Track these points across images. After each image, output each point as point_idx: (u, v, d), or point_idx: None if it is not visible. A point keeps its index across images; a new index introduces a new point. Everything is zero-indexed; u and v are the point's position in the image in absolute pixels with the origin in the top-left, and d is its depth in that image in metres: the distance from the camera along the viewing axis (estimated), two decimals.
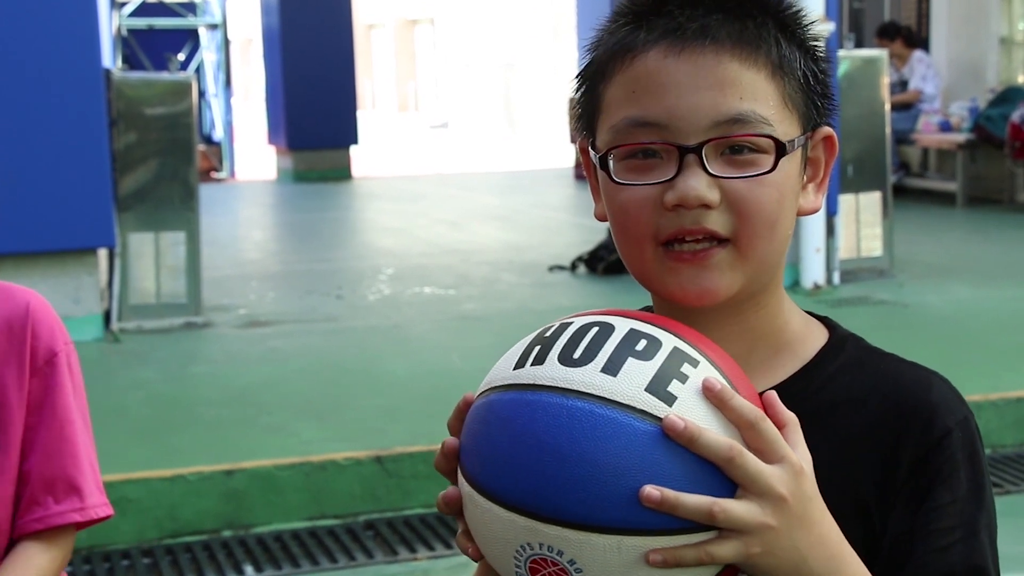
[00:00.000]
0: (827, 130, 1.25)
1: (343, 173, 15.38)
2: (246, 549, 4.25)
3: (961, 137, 11.24)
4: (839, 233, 7.57)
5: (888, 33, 12.02)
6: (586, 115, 1.25)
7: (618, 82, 1.20)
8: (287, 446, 4.65)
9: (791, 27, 1.21)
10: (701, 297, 1.19)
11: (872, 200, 7.86)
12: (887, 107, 8.02)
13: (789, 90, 1.19)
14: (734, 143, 1.16)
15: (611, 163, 1.19)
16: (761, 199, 1.17)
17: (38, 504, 1.81)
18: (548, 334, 1.09)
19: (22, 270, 5.96)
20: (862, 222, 7.81)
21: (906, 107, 11.75)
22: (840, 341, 1.27)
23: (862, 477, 1.18)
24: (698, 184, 1.15)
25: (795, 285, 7.27)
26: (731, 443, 1.02)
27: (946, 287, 7.48)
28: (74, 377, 1.86)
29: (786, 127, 1.18)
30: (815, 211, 1.26)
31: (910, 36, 12.18)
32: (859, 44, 9.98)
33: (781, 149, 1.17)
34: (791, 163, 1.19)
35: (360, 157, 16.80)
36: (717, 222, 1.16)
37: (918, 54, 12.04)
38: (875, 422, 1.20)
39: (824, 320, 1.30)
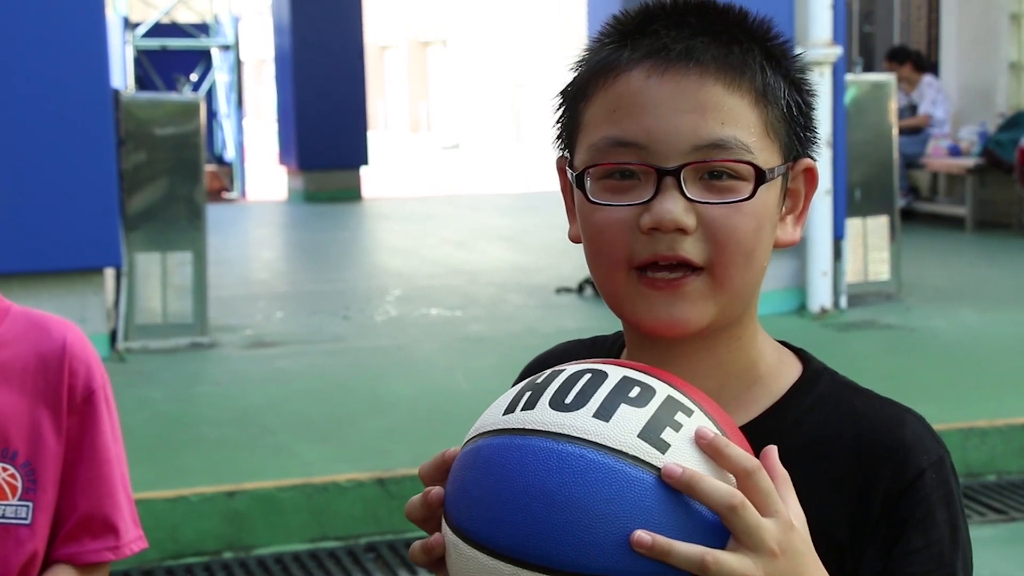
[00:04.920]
0: (808, 162, 1.23)
1: (353, 194, 15.40)
2: (247, 571, 4.25)
3: (970, 162, 11.23)
4: (846, 257, 7.54)
5: (898, 57, 12.01)
6: (565, 134, 1.24)
7: (599, 100, 1.19)
8: (289, 467, 4.65)
9: (777, 57, 1.20)
10: (672, 327, 1.17)
11: (879, 224, 7.85)
12: (895, 131, 8.01)
13: (772, 119, 1.17)
14: (713, 168, 1.15)
15: (587, 182, 1.18)
16: (738, 226, 1.15)
17: (74, 541, 1.83)
18: (539, 381, 1.07)
19: (29, 289, 5.96)
20: (869, 246, 7.80)
21: (916, 131, 11.74)
22: (814, 375, 1.24)
23: (834, 517, 1.15)
24: (675, 208, 1.13)
25: (802, 308, 7.25)
26: (734, 491, 0.99)
27: (954, 311, 7.45)
28: (111, 412, 1.88)
29: (767, 156, 1.17)
30: (793, 243, 1.25)
31: (920, 60, 12.16)
32: (869, 68, 9.97)
33: (760, 177, 1.15)
34: (770, 192, 1.18)
35: (371, 178, 16.83)
36: (692, 250, 1.15)
37: (928, 78, 12.03)
38: (848, 461, 1.18)
39: (798, 352, 1.27)
